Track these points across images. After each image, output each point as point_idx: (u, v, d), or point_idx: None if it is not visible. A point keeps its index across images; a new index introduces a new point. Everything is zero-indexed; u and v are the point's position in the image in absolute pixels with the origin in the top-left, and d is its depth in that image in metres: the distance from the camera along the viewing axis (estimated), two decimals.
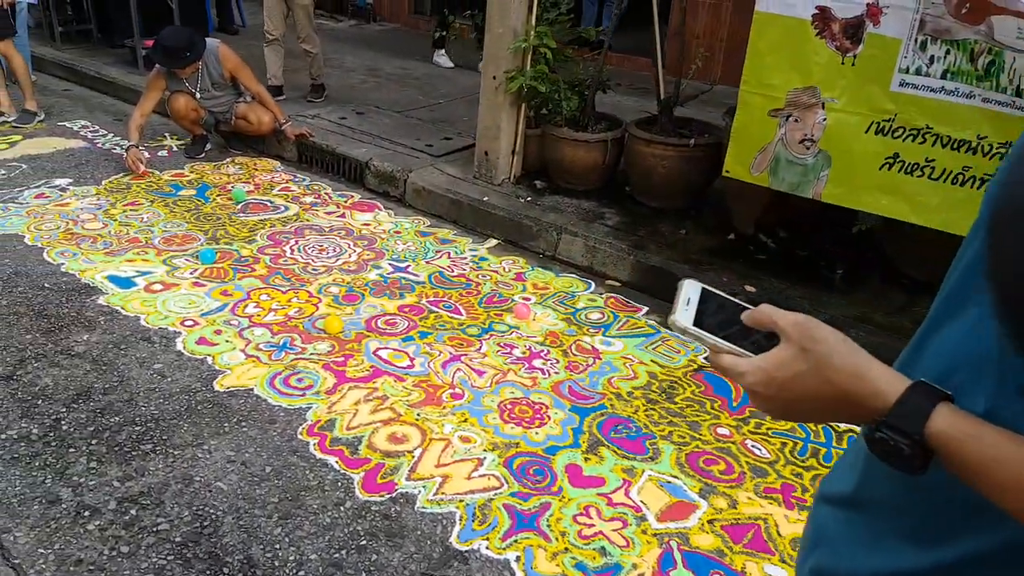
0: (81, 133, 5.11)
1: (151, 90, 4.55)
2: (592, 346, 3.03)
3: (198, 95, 4.59)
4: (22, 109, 5.19)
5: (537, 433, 2.50)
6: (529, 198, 4.07)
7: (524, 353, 2.95)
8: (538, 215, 3.87)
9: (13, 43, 5.09)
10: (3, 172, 4.34)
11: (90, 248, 3.53)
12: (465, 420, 2.54)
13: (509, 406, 2.62)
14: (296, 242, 3.77)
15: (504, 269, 3.65)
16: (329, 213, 4.15)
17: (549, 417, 2.58)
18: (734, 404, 2.74)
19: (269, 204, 4.21)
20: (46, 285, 3.18)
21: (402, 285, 3.43)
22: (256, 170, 4.70)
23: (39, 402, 2.49)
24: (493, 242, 3.93)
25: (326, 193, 4.42)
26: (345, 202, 4.33)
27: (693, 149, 3.71)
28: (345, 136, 4.88)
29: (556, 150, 4.09)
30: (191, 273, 3.38)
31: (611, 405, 2.67)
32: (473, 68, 6.02)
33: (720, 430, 2.59)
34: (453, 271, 3.59)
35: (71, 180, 4.30)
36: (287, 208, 4.18)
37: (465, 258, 3.74)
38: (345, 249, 3.74)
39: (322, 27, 7.21)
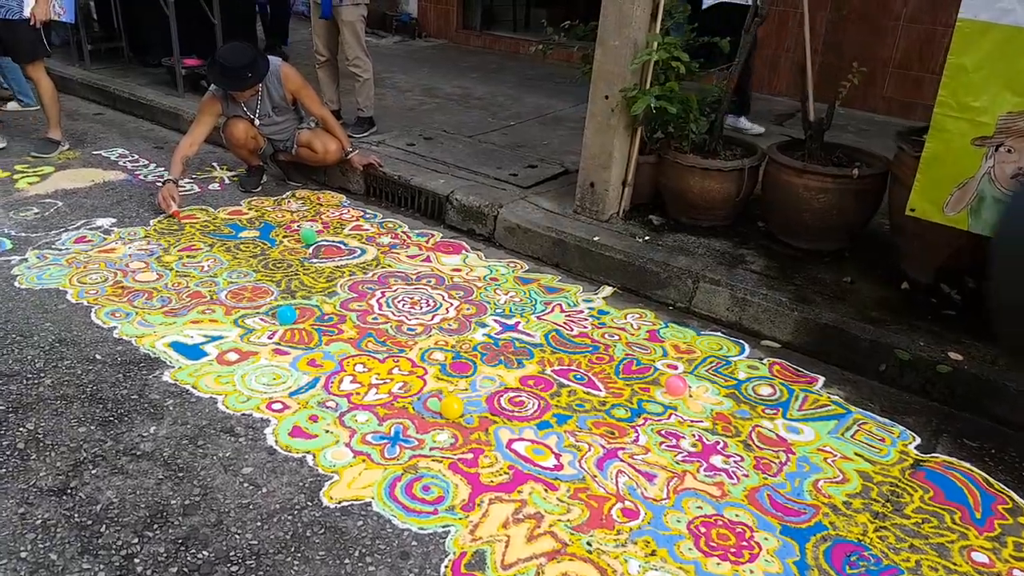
0: (120, 163, 4.61)
1: (205, 115, 4.03)
2: (776, 434, 2.45)
3: (257, 121, 4.07)
4: (44, 136, 4.69)
5: (752, 572, 1.93)
6: (647, 237, 3.51)
7: (695, 446, 2.38)
8: (664, 258, 3.31)
9: (44, 65, 4.61)
10: (36, 211, 3.83)
11: (146, 306, 3.00)
12: (653, 553, 1.97)
13: (703, 529, 2.05)
14: (383, 294, 3.23)
15: (632, 326, 3.09)
16: (412, 257, 3.61)
17: (759, 545, 2.01)
18: (977, 515, 2.16)
19: (343, 246, 3.68)
20: (97, 357, 2.65)
21: (516, 348, 2.87)
22: (321, 205, 4.17)
23: (103, 528, 1.94)
24: (609, 290, 3.37)
25: (404, 232, 3.88)
26: (427, 243, 3.79)
27: (857, 181, 3.14)
28: (417, 165, 4.35)
29: (679, 180, 3.54)
30: (269, 337, 2.84)
31: (830, 523, 2.09)
32: (537, 85, 5.50)
33: (975, 555, 2.01)
34: (572, 329, 3.04)
35: (114, 220, 3.78)
36: (363, 251, 3.64)
37: (581, 311, 3.19)
38: (440, 302, 3.19)
39: (366, 44, 6.73)
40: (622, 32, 3.33)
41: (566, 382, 2.68)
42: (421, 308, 3.14)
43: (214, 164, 4.62)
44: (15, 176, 4.29)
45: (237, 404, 2.45)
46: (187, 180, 4.29)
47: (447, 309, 3.15)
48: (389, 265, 3.51)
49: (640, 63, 3.28)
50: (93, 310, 2.94)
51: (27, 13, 4.33)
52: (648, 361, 2.85)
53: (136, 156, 4.75)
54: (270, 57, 3.97)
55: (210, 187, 4.30)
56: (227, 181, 4.43)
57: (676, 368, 2.82)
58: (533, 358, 2.82)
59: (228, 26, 5.53)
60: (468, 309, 3.15)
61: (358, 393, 2.54)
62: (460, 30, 7.91)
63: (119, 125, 5.41)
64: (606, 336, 3.01)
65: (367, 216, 4.06)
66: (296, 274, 3.36)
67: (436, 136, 4.87)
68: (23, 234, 3.55)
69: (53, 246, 3.46)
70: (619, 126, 3.48)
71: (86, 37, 6.28)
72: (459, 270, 3.52)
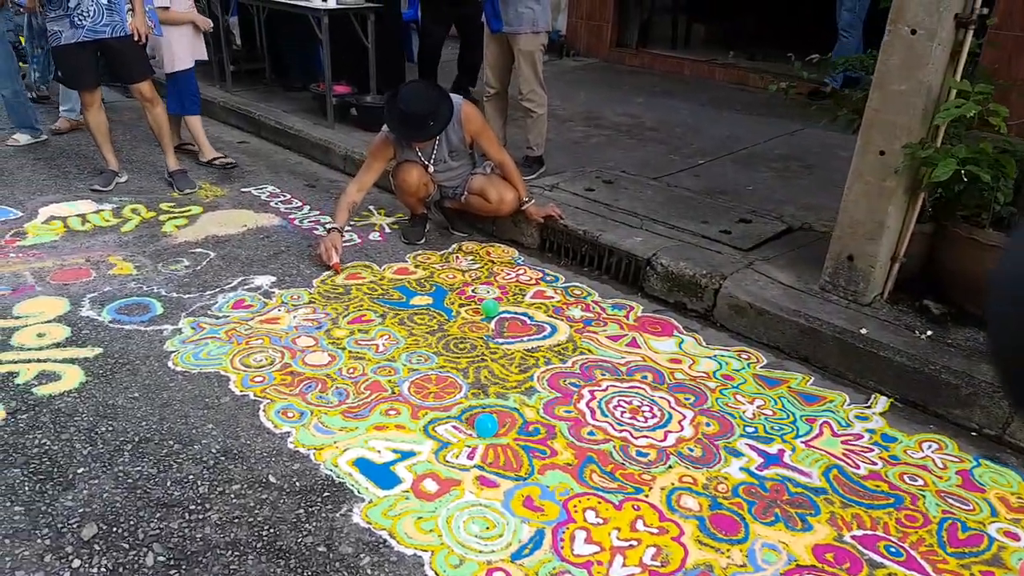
0: (272, 204, 4.27)
1: (376, 161, 3.59)
2: None
3: (432, 168, 3.60)
4: (178, 169, 4.41)
5: None
6: (929, 332, 2.76)
7: None
8: (964, 366, 2.56)
9: (153, 86, 4.28)
10: (187, 263, 3.49)
11: (321, 402, 2.54)
12: None
13: None
14: (591, 395, 2.64)
15: (935, 463, 2.35)
16: (613, 338, 3.01)
17: None
18: None
19: (527, 320, 3.13)
20: (272, 479, 2.18)
21: (792, 496, 2.20)
22: (493, 263, 3.65)
23: None
24: (884, 402, 2.65)
25: (595, 303, 3.29)
26: (626, 318, 3.18)
27: None
28: (602, 216, 3.76)
29: (971, 260, 2.77)
30: (469, 456, 2.30)
31: None
32: (715, 113, 4.80)
33: None
34: (857, 466, 2.33)
35: (274, 279, 3.39)
36: (554, 328, 3.07)
37: (859, 435, 2.48)
38: (667, 411, 2.57)
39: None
40: (912, 75, 2.61)
41: (878, 559, 1.99)
42: (645, 418, 2.53)
43: (371, 208, 4.19)
44: (162, 217, 4.01)
45: (448, 569, 1.91)
46: (344, 231, 3.87)
47: (679, 422, 2.52)
48: (588, 350, 2.92)
49: (945, 118, 2.54)
50: (262, 406, 2.50)
51: (129, 29, 4.05)
52: (976, 525, 2.12)
53: (288, 195, 4.40)
54: (452, 96, 3.48)
55: (370, 237, 3.86)
56: (387, 229, 3.98)
57: (1018, 538, 2.08)
58: (820, 514, 2.14)
59: (379, 50, 5.15)
60: (708, 424, 2.51)
61: (599, 562, 1.95)
62: (614, 48, 7.31)
63: (265, 157, 5.12)
64: (905, 478, 2.29)
65: (548, 278, 3.50)
66: (483, 359, 2.83)
67: (617, 179, 4.27)
68: (175, 294, 3.20)
69: (209, 312, 3.08)
70: (897, 189, 2.75)
71: (228, 57, 6.09)
72: (678, 361, 2.89)
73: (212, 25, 4.62)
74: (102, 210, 4.04)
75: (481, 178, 3.70)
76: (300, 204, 4.29)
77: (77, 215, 3.95)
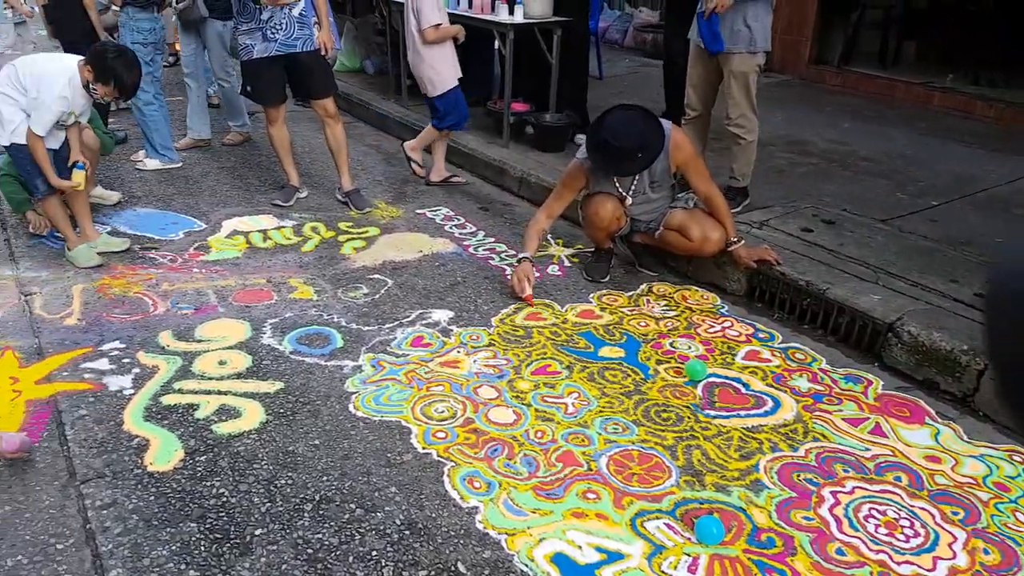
0: (446, 228, 4.11)
1: (567, 190, 3.31)
2: None
3: (630, 200, 3.28)
4: (351, 189, 4.33)
5: None
6: None
7: None
8: None
9: (336, 102, 4.21)
10: (366, 291, 3.36)
11: (509, 471, 2.25)
12: None
13: None
14: (834, 498, 2.19)
15: None
16: (852, 422, 2.52)
17: None
18: None
19: (742, 389, 2.71)
20: (461, 568, 1.91)
21: None
22: (691, 310, 3.26)
23: None
24: None
25: (823, 371, 2.81)
26: (864, 394, 2.68)
27: None
28: (826, 264, 3.26)
29: None
30: (691, 569, 1.93)
31: None
32: (938, 143, 4.08)
33: None
34: None
35: (452, 314, 3.18)
36: (776, 402, 2.64)
37: None
38: (932, 528, 2.07)
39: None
40: None
41: None
42: (906, 537, 2.05)
43: (548, 237, 3.93)
44: (340, 238, 3.94)
45: None
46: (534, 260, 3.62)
47: (950, 546, 2.02)
48: (823, 435, 2.46)
49: None
50: (446, 470, 2.25)
51: (317, 43, 4.00)
52: None
53: (461, 219, 4.23)
54: (661, 121, 3.14)
55: (549, 270, 3.59)
56: (567, 263, 3.69)
57: None
58: None
59: (563, 67, 4.90)
60: (986, 552, 2.00)
61: None
62: (813, 65, 6.67)
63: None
64: None
65: (761, 335, 3.06)
66: (693, 435, 2.45)
67: (838, 219, 3.73)
68: (355, 325, 3.06)
69: (389, 348, 2.91)
70: None
71: (405, 71, 6.07)
72: (936, 459, 2.36)
73: (465, 32, 4.53)
74: (283, 227, 4.04)
75: (682, 212, 3.33)
76: (474, 229, 4.10)
77: (259, 231, 3.97)
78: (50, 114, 3.21)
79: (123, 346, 2.87)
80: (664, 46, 5.41)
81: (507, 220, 4.24)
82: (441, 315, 3.17)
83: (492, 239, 3.97)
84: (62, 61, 3.32)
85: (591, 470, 2.28)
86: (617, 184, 3.23)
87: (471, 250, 3.83)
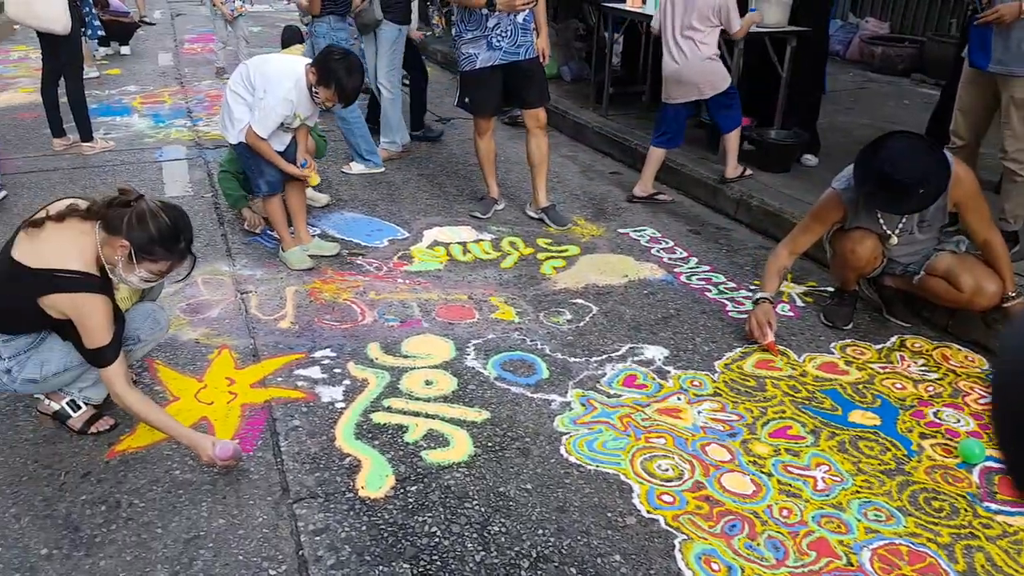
0: (653, 252, 3.87)
1: (818, 222, 2.96)
2: None
3: (895, 238, 2.88)
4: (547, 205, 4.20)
5: None
6: None
7: None
8: None
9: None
10: (569, 317, 3.19)
11: (752, 554, 1.96)
12: None
13: None
14: None
15: None
16: None
17: None
18: None
19: None
20: None
21: None
22: (954, 373, 2.79)
23: None
24: None
25: None
26: None
27: None
28: None
29: None
30: None
31: None
32: None
33: None
34: None
35: (667, 352, 2.94)
36: None
37: None
38: None
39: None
40: None
41: None
42: None
43: None
44: (539, 256, 3.82)
45: None
46: (774, 300, 3.31)
47: None
48: None
49: None
50: (677, 543, 2.01)
51: (536, 50, 3.87)
52: None
53: (670, 243, 3.98)
54: (945, 152, 2.71)
55: (778, 310, 3.25)
56: (799, 302, 3.33)
57: None
58: None
59: (794, 80, 4.51)
60: None
61: None
62: None
63: None
64: None
65: None
66: (973, 533, 2.05)
67: None
68: (560, 355, 2.91)
69: (599, 385, 2.72)
70: None
71: (609, 78, 5.91)
72: None
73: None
74: (482, 240, 3.99)
75: (950, 257, 2.87)
76: (685, 255, 3.84)
77: (458, 243, 3.94)
78: (274, 116, 3.32)
79: (334, 355, 2.89)
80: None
81: (723, 246, 3.94)
82: (655, 352, 2.94)
83: (707, 267, 3.68)
84: (292, 63, 3.43)
85: (852, 565, 1.96)
86: (882, 220, 2.84)
87: (683, 278, 3.57)
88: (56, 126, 5.07)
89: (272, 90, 3.32)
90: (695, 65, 4.14)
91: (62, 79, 4.95)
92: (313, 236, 3.78)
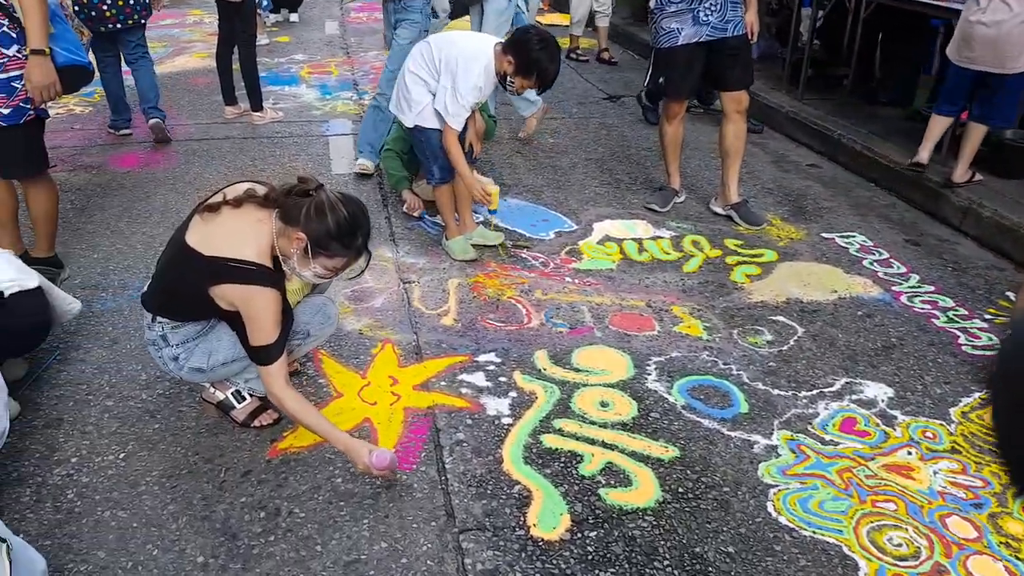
0: (865, 264, 3.42)
1: None
2: None
3: None
4: (740, 201, 3.80)
5: None
6: None
7: None
8: None
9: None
10: (770, 337, 2.83)
11: None
12: None
13: None
14: None
15: None
16: None
17: None
18: None
19: None
20: None
21: None
22: None
23: None
24: None
25: None
26: None
27: None
28: None
29: None
30: None
31: None
32: None
33: None
34: None
35: (891, 392, 2.51)
36: None
37: None
38: None
39: None
40: None
41: None
42: None
43: (1008, 295, 3.05)
44: (728, 259, 3.47)
45: None
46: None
47: None
48: None
49: None
50: None
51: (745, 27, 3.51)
52: None
53: (885, 254, 3.51)
54: None
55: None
56: None
57: None
58: None
59: None
60: None
61: None
62: None
63: (845, 190, 4.29)
64: None
65: None
66: None
67: None
68: (760, 385, 2.57)
69: (811, 427, 2.37)
70: None
71: (808, 58, 5.37)
72: None
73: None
74: (660, 237, 3.68)
75: None
76: (904, 270, 3.36)
77: (633, 239, 3.66)
78: (466, 106, 3.16)
79: (499, 360, 2.72)
80: None
81: (947, 263, 3.43)
82: (877, 391, 2.55)
83: (930, 287, 3.21)
84: (479, 44, 3.24)
85: None
86: None
87: (904, 299, 3.12)
88: (228, 93, 5.24)
89: (462, 77, 3.14)
90: (1015, 28, 3.51)
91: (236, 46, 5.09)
92: (477, 224, 3.64)
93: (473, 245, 3.50)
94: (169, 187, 4.13)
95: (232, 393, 2.40)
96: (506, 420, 2.41)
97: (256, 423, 2.40)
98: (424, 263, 3.45)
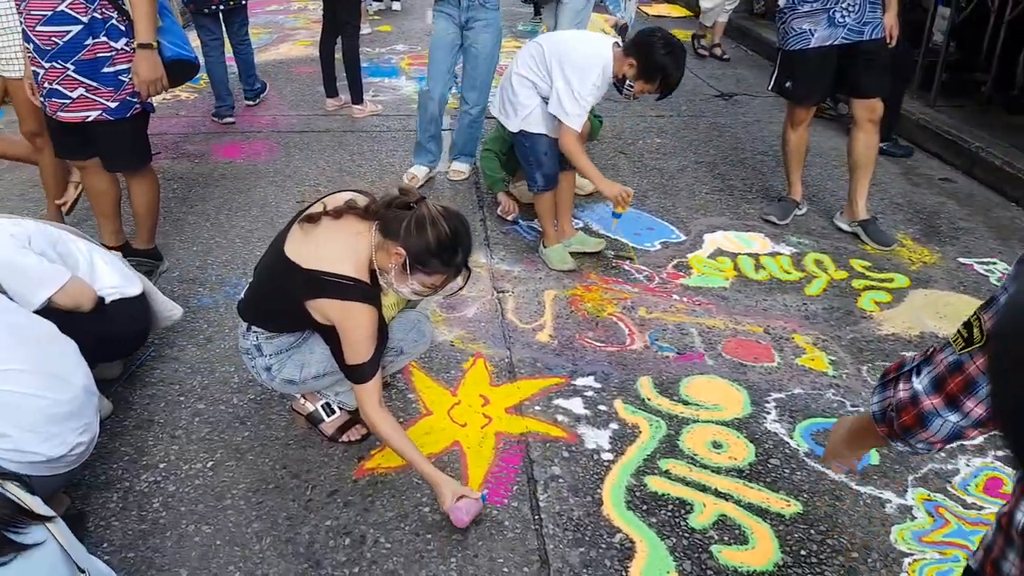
0: None
1: None
2: None
3: None
4: (868, 218, 3.49)
5: None
6: None
7: None
8: None
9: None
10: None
11: None
12: None
13: None
14: None
15: None
16: None
17: None
18: None
19: None
20: None
21: None
22: None
23: None
24: None
25: None
26: None
27: None
28: None
29: None
30: None
31: None
32: None
33: None
34: None
35: None
36: None
37: None
38: None
39: None
40: None
41: None
42: None
43: None
44: (855, 283, 3.19)
45: None
46: None
47: None
48: None
49: None
50: None
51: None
52: None
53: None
54: None
55: None
56: None
57: None
58: None
59: None
60: None
61: None
62: None
63: (984, 209, 3.90)
64: None
65: None
66: None
67: None
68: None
69: (950, 486, 2.10)
70: None
71: (943, 63, 4.94)
72: None
73: None
74: (779, 253, 3.43)
75: None
76: None
77: (749, 254, 3.42)
78: (586, 107, 3.01)
79: (599, 385, 2.56)
80: None
81: None
82: None
83: None
84: (596, 46, 3.06)
85: None
86: None
87: None
88: (330, 85, 5.23)
89: (581, 77, 2.97)
90: None
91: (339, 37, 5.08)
92: (576, 230, 3.47)
93: (572, 253, 3.34)
94: (268, 180, 4.14)
95: (322, 405, 2.34)
96: (606, 455, 2.25)
97: (344, 438, 2.33)
98: (519, 271, 3.31)
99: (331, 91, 5.25)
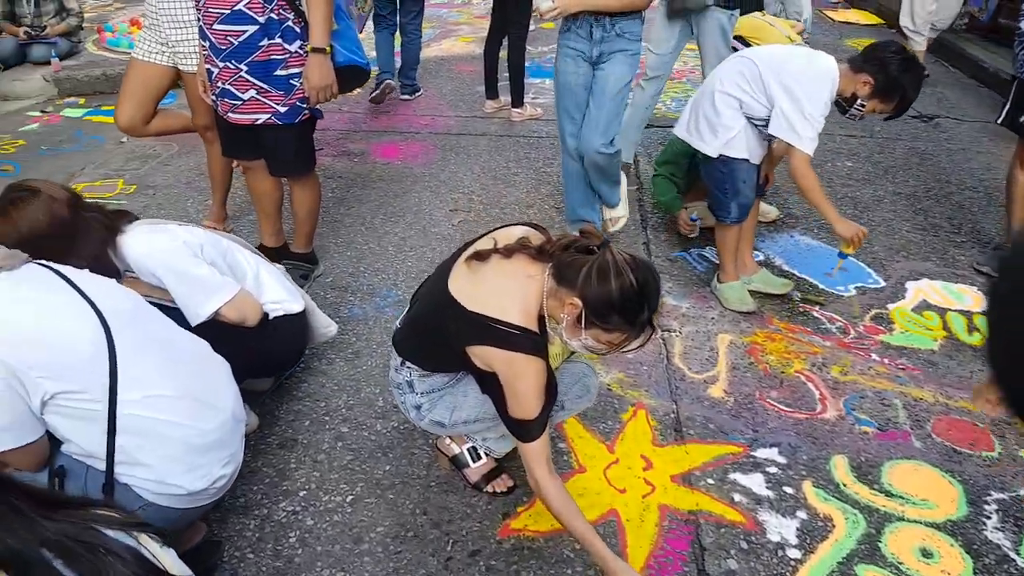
0: None
1: None
2: None
3: None
4: None
5: None
6: None
7: None
8: None
9: None
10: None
11: None
12: None
13: None
14: None
15: None
16: None
17: None
18: None
19: None
20: None
21: None
22: None
23: None
24: None
25: None
26: None
27: None
28: None
29: None
30: None
31: None
32: None
33: None
34: None
35: None
36: None
37: None
38: None
39: None
40: None
41: None
42: None
43: None
44: None
45: None
46: None
47: None
48: None
49: None
50: None
51: None
52: None
53: None
54: None
55: None
56: None
57: None
58: None
59: None
60: None
61: None
62: None
63: None
64: None
65: None
66: None
67: None
68: None
69: None
70: None
71: None
72: None
73: None
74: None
75: None
76: None
77: (960, 311, 2.96)
78: (818, 128, 2.67)
79: (784, 461, 2.24)
80: None
81: None
82: None
83: None
84: (823, 61, 2.73)
85: None
86: None
87: None
88: (491, 86, 5.12)
89: (811, 98, 2.66)
90: None
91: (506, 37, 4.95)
92: (760, 267, 3.14)
93: (752, 293, 3.01)
94: (424, 185, 4.05)
95: (468, 449, 2.17)
96: (792, 552, 1.94)
97: (489, 488, 2.15)
98: (688, 307, 3.02)
99: (492, 93, 5.14)
